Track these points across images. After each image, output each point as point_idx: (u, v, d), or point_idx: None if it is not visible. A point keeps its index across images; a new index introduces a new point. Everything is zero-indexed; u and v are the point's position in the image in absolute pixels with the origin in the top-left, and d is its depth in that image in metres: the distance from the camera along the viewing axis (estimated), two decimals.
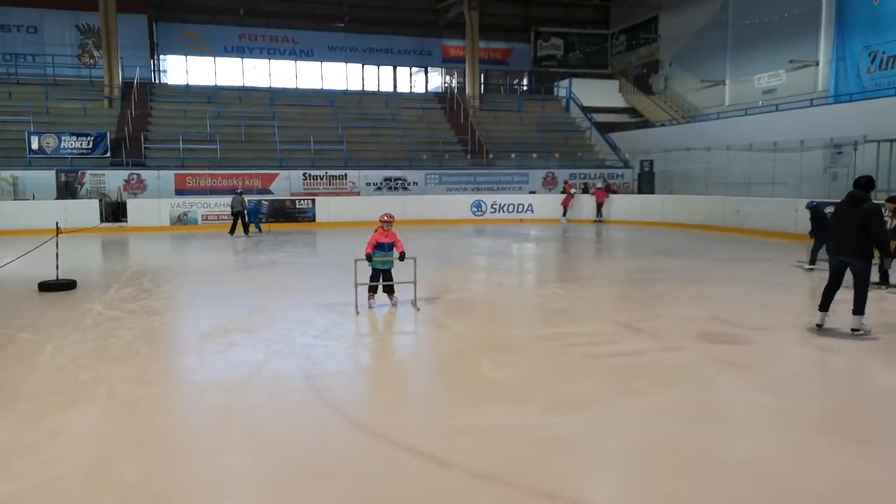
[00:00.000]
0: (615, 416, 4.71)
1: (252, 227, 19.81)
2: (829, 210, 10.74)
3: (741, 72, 27.48)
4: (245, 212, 19.42)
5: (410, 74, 36.69)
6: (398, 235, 8.27)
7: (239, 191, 20.12)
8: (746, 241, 16.18)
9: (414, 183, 25.35)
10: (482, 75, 33.56)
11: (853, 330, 7.01)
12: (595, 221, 23.92)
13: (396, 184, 25.21)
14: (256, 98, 28.78)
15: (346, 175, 24.70)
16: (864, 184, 7.18)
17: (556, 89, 33.75)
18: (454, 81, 36.47)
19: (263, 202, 21.32)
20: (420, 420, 4.76)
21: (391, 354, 6.40)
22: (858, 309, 7.01)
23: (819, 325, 7.27)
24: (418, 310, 8.08)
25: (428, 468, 3.90)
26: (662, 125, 29.71)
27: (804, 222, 16.82)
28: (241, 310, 8.56)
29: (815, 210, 11.80)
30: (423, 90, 36.06)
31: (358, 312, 7.89)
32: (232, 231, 19.35)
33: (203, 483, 3.75)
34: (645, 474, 3.84)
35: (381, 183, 25.00)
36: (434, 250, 16.22)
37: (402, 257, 8.11)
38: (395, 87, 35.56)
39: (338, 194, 24.17)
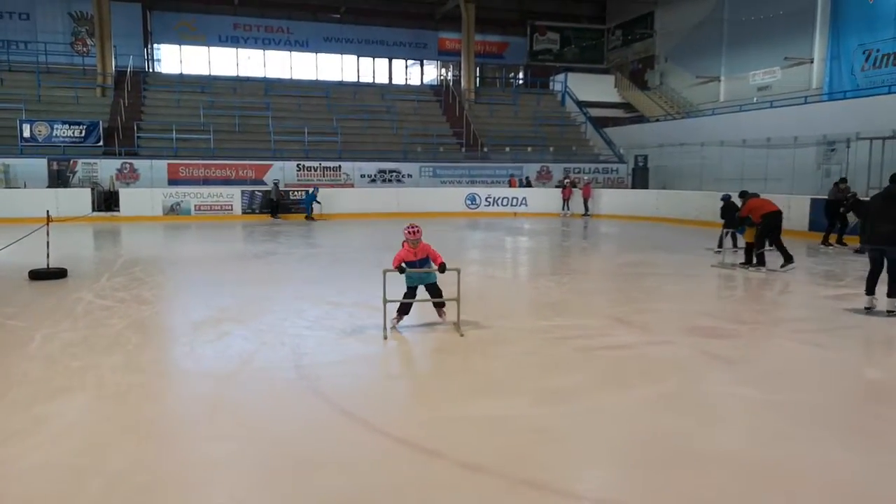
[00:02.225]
0: (604, 409, 4.74)
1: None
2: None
3: (736, 68, 27.56)
4: (279, 200, 21.27)
5: (406, 67, 36.62)
6: (431, 247, 6.93)
7: (275, 181, 21.83)
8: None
9: (408, 175, 25.33)
10: (478, 68, 33.53)
11: (889, 312, 7.60)
12: (583, 216, 24.07)
13: (391, 176, 25.20)
14: (251, 88, 28.67)
15: (340, 166, 24.67)
16: None
17: (551, 83, 33.75)
18: (450, 74, 36.41)
19: (316, 189, 21.76)
20: (410, 411, 4.78)
21: (381, 346, 6.41)
22: (893, 293, 7.59)
23: (867, 308, 7.84)
24: (462, 335, 6.61)
25: (416, 458, 3.92)
26: (657, 120, 29.79)
27: (797, 218, 17.00)
28: (233, 300, 8.55)
29: (727, 202, 13.62)
30: (418, 83, 36.00)
31: (386, 337, 6.54)
32: (273, 215, 21.08)
33: (191, 471, 3.76)
34: (631, 465, 3.87)
35: (375, 175, 24.98)
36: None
37: (442, 268, 6.71)
38: (390, 79, 35.49)
39: (332, 186, 24.13)
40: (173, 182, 22.64)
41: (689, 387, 5.26)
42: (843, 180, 15.53)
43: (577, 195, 24.49)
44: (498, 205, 24.85)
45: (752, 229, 11.42)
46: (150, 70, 30.86)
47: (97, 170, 22.17)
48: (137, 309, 7.92)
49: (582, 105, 31.31)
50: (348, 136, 26.39)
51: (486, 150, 27.55)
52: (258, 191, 22.72)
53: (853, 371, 5.73)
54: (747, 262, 11.53)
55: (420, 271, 6.80)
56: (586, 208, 24.29)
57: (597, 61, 36.58)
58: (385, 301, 6.51)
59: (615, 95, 34.06)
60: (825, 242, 15.18)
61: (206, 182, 22.83)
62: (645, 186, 25.38)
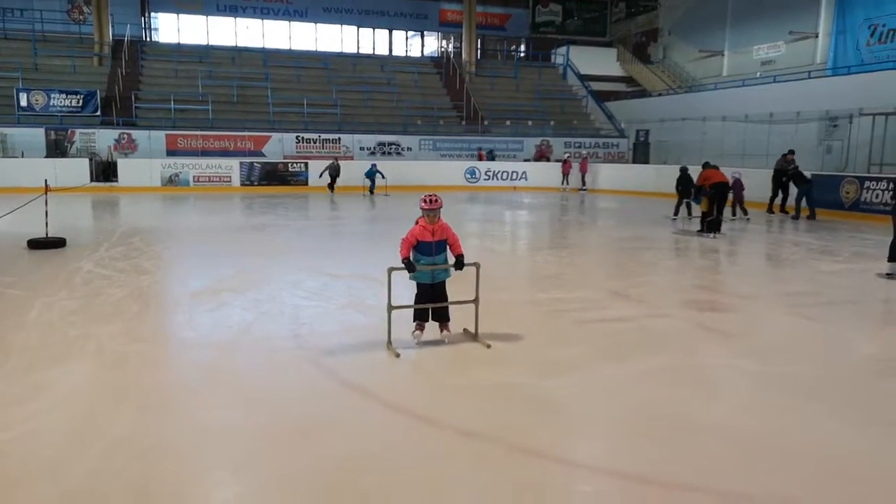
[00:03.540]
0: (601, 380, 4.77)
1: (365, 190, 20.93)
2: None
3: (740, 42, 27.25)
4: (337, 176, 21.14)
5: (406, 38, 36.16)
6: (451, 227, 5.39)
7: (335, 158, 22.02)
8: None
9: (408, 148, 25.20)
10: (479, 40, 33.15)
11: None
12: (579, 190, 24.06)
13: (390, 148, 25.06)
14: (249, 59, 28.35)
15: (339, 139, 24.51)
16: None
17: (553, 56, 33.39)
18: (451, 46, 35.98)
19: (375, 165, 21.37)
20: (408, 380, 4.81)
21: (380, 315, 6.42)
22: None
23: (889, 275, 8.36)
24: (489, 346, 5.31)
25: (414, 426, 3.96)
26: (659, 95, 29.54)
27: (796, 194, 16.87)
28: (232, 271, 8.55)
29: (684, 173, 14.68)
30: (418, 54, 35.58)
31: (398, 354, 5.11)
32: (331, 188, 21.10)
33: (191, 437, 3.79)
34: (628, 435, 3.91)
35: (374, 147, 24.83)
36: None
37: (459, 264, 5.18)
38: (390, 50, 35.06)
39: (331, 158, 23.98)
40: (171, 153, 22.50)
41: (687, 359, 5.28)
42: (791, 152, 16.29)
43: (577, 170, 24.42)
44: (497, 179, 24.75)
45: (707, 199, 12.25)
46: (148, 39, 30.47)
47: (95, 140, 22.02)
48: (136, 278, 7.93)
49: (584, 78, 31.00)
50: (348, 108, 26.18)
51: (486, 123, 27.35)
52: (257, 162, 22.61)
53: (849, 344, 5.76)
54: (703, 230, 12.37)
55: (435, 268, 5.25)
56: (583, 183, 24.29)
57: (599, 34, 36.10)
58: (390, 308, 5.14)
59: (617, 69, 33.71)
60: (770, 210, 16.39)
61: (205, 153, 22.71)
62: (646, 161, 25.26)
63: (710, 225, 12.24)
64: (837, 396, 4.52)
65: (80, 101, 22.86)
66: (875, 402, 4.47)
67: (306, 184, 22.76)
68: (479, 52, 32.81)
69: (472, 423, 3.94)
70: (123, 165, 21.33)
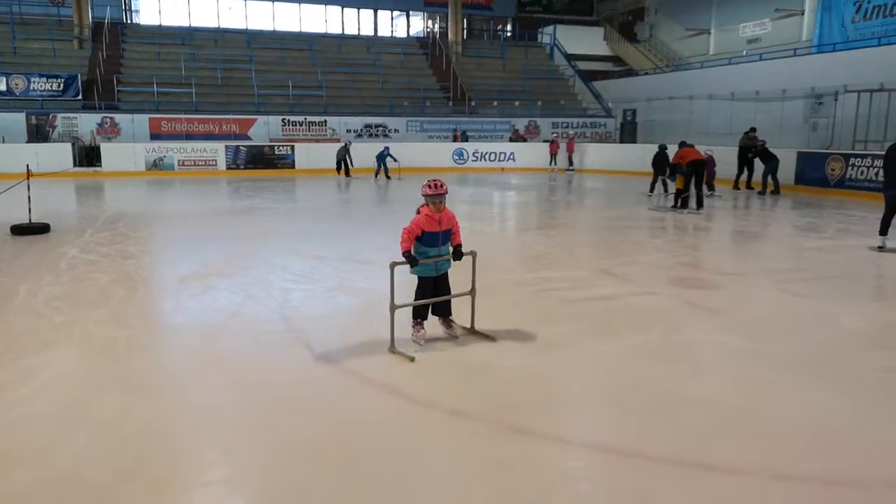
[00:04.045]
0: (589, 357, 4.80)
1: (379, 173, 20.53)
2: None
3: (726, 20, 27.20)
4: (347, 158, 20.77)
5: (392, 18, 35.81)
6: (455, 216, 5.01)
7: (347, 141, 21.73)
8: (727, 190, 16.31)
9: (395, 130, 25.05)
10: (465, 20, 32.84)
11: None
12: (566, 171, 24.08)
13: (377, 130, 24.90)
14: (232, 40, 27.98)
15: (325, 121, 24.32)
16: None
17: (540, 36, 33.19)
18: (436, 26, 35.67)
19: (387, 148, 20.85)
20: (398, 361, 4.81)
21: (368, 297, 6.42)
22: None
23: (881, 247, 8.67)
24: (494, 339, 5.00)
25: (404, 405, 3.97)
26: (646, 74, 29.48)
27: (782, 171, 16.99)
28: (219, 255, 8.50)
29: (661, 151, 15.17)
30: (404, 35, 35.26)
31: (413, 358, 4.61)
32: (347, 173, 20.72)
33: (179, 420, 3.78)
34: (616, 411, 3.94)
35: (361, 129, 24.67)
36: (412, 197, 16.15)
37: (457, 254, 4.86)
38: (375, 31, 34.71)
39: (317, 140, 23.83)
40: (155, 137, 22.25)
41: (674, 336, 5.32)
42: (753, 129, 16.91)
43: (564, 150, 24.41)
44: (486, 160, 24.69)
45: (682, 176, 12.66)
46: (129, 21, 29.98)
47: (77, 124, 21.73)
48: (122, 263, 7.86)
49: (570, 58, 30.86)
50: (333, 89, 25.94)
51: (473, 103, 27.22)
52: (242, 146, 22.41)
53: (835, 319, 5.82)
54: (677, 206, 12.80)
55: (438, 259, 4.84)
56: (570, 162, 24.30)
57: (586, 13, 35.91)
58: (393, 307, 4.66)
59: (604, 48, 33.58)
60: (735, 186, 16.95)
61: (189, 137, 22.47)
62: (633, 141, 25.27)
63: (685, 201, 12.68)
64: (822, 370, 4.57)
65: (61, 85, 22.51)
66: (859, 375, 4.52)
67: (293, 167, 22.60)
68: (465, 32, 32.53)
69: (460, 400, 3.96)
70: (107, 150, 21.08)
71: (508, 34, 36.44)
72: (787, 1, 24.28)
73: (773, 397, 4.08)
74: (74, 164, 20.02)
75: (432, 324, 5.05)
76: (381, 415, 3.83)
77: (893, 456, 3.39)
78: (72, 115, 21.78)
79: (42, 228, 9.79)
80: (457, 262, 4.92)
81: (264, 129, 23.39)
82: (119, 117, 22.18)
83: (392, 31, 35.65)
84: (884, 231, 8.74)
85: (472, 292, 5.05)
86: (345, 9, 33.83)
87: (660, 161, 15.06)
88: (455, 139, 25.30)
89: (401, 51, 29.93)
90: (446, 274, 5.01)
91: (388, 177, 20.13)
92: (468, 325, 5.14)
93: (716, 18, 27.87)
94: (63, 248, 8.64)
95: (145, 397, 4.06)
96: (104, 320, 5.59)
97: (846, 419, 3.81)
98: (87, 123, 21.79)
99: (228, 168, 22.04)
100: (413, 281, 5.03)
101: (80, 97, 22.59)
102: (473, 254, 4.97)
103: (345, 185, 18.77)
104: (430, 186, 4.81)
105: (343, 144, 21.04)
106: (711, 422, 3.74)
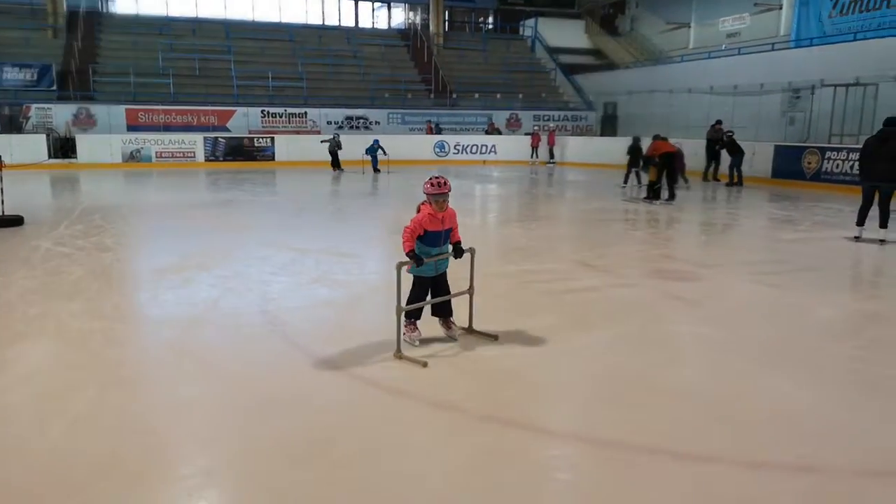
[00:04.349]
0: (569, 349, 4.82)
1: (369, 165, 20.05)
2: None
3: (706, 14, 27.35)
4: (338, 150, 20.09)
5: (373, 10, 35.51)
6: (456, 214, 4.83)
7: (336, 133, 21.05)
8: (697, 182, 16.52)
9: (376, 122, 24.94)
10: (446, 12, 32.71)
11: (880, 241, 8.68)
12: (547, 163, 24.17)
13: (358, 122, 24.77)
14: (211, 30, 27.62)
15: (306, 113, 24.14)
16: (894, 122, 8.66)
17: (521, 28, 33.17)
18: (418, 18, 35.48)
19: (377, 140, 20.21)
20: (377, 353, 4.79)
21: (348, 289, 6.40)
22: (885, 223, 8.70)
23: (857, 237, 8.91)
24: (496, 337, 4.85)
25: (384, 397, 3.96)
26: (627, 67, 29.58)
27: (759, 165, 17.22)
28: (197, 247, 8.41)
29: (635, 144, 15.35)
30: (385, 27, 35.02)
31: (426, 364, 4.36)
32: (338, 166, 19.98)
33: (156, 413, 3.74)
34: (595, 401, 3.97)
35: (342, 122, 24.52)
36: (395, 190, 16.11)
37: (457, 252, 4.71)
38: (356, 22, 34.41)
39: (298, 132, 23.64)
40: (132, 128, 21.94)
41: (652, 327, 5.37)
42: (719, 122, 17.50)
43: (546, 143, 24.49)
44: (467, 153, 24.68)
45: (655, 168, 12.99)
46: (105, 10, 29.43)
47: (52, 115, 21.35)
48: (98, 256, 7.75)
49: (552, 51, 30.89)
50: (314, 81, 25.74)
51: (454, 96, 27.16)
52: (221, 137, 22.18)
53: (809, 310, 5.91)
54: (649, 197, 13.14)
55: (438, 258, 4.67)
56: (551, 155, 24.39)
57: (568, 5, 35.91)
58: (399, 310, 4.46)
59: (585, 41, 33.64)
60: (705, 178, 17.42)
61: (167, 128, 22.19)
62: (614, 134, 25.40)
63: (657, 193, 13.00)
64: (796, 360, 4.65)
65: (35, 75, 22.09)
66: (828, 364, 4.60)
67: (273, 159, 22.41)
68: (446, 24, 32.41)
69: (442, 393, 3.97)
70: (82, 141, 20.75)
71: (490, 27, 36.37)
72: None
73: (747, 386, 4.14)
74: (49, 156, 19.69)
75: (428, 323, 4.93)
76: (360, 406, 3.82)
77: (859, 443, 3.45)
78: (46, 105, 21.39)
79: (15, 221, 9.62)
80: (454, 259, 4.74)
81: (243, 120, 23.17)
82: (95, 108, 21.83)
83: (373, 23, 35.38)
84: (860, 222, 8.94)
85: (471, 290, 4.89)
86: None
87: (633, 153, 15.41)
88: (429, 131, 25.21)
89: (382, 43, 29.77)
90: (445, 273, 4.86)
91: (376, 170, 19.86)
92: (466, 326, 4.98)
93: (696, 12, 28.03)
94: (37, 241, 8.49)
95: (121, 390, 4.02)
96: (79, 313, 5.51)
97: (815, 407, 3.87)
98: (61, 114, 21.42)
99: (207, 160, 21.80)
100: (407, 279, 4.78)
101: (54, 87, 22.19)
102: (472, 251, 4.78)
103: (334, 178, 18.54)
104: (432, 184, 4.55)
105: (332, 137, 20.55)
106: (688, 411, 3.78)
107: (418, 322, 4.83)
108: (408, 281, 4.63)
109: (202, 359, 4.56)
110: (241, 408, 3.77)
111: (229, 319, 5.41)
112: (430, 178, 4.60)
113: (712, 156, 17.34)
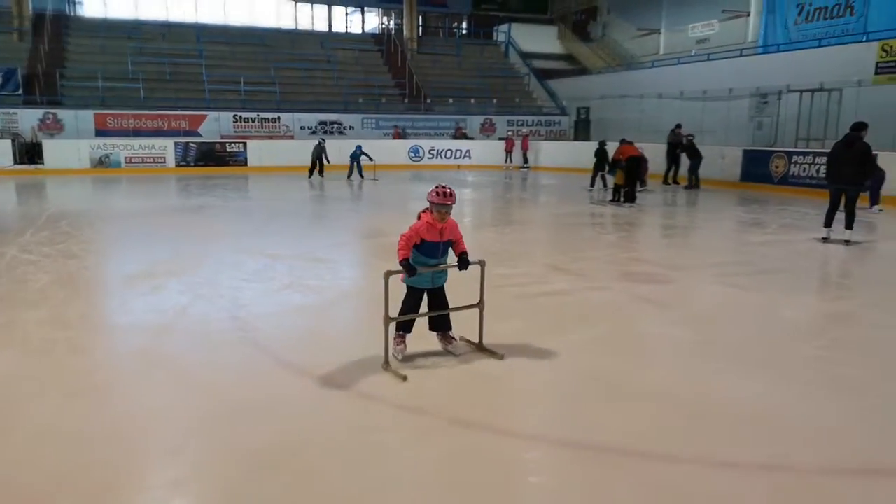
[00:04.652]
0: (541, 352, 4.84)
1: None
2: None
3: (676, 21, 27.76)
4: (322, 157, 19.43)
5: (346, 14, 35.46)
6: (458, 226, 4.68)
7: (321, 139, 20.34)
8: (657, 185, 16.79)
9: (350, 127, 24.84)
10: (420, 17, 32.78)
11: (846, 242, 8.94)
12: (520, 168, 24.32)
13: (332, 127, 24.64)
14: (181, 34, 27.27)
15: (279, 118, 23.95)
16: (859, 127, 8.90)
17: (495, 34, 33.35)
18: (391, 23, 35.49)
19: (360, 146, 19.77)
20: (348, 359, 4.76)
21: (321, 295, 6.35)
22: (850, 225, 8.95)
23: (824, 238, 9.16)
24: (502, 357, 4.57)
25: (354, 402, 3.93)
26: (599, 73, 29.88)
27: (729, 168, 17.51)
28: (167, 254, 8.29)
29: (601, 147, 15.98)
30: (359, 31, 34.96)
31: (405, 378, 4.19)
32: (321, 172, 19.36)
33: (124, 422, 3.66)
34: (567, 403, 3.99)
35: (315, 126, 24.36)
36: (369, 195, 16.06)
37: (463, 263, 4.54)
38: (329, 27, 34.31)
39: (271, 137, 23.45)
40: (101, 133, 21.54)
41: (624, 329, 5.42)
42: (679, 126, 17.91)
43: (519, 147, 24.62)
44: (441, 157, 24.70)
45: (622, 172, 13.27)
46: (72, 13, 28.93)
47: (17, 120, 20.89)
48: (64, 263, 7.60)
49: (525, 56, 31.10)
50: (287, 86, 25.57)
51: (429, 101, 27.18)
52: (192, 142, 21.90)
53: (776, 311, 6.02)
54: (615, 199, 13.51)
55: (436, 269, 4.48)
56: (525, 160, 24.53)
57: (541, 11, 36.19)
58: (387, 321, 4.28)
59: (558, 47, 33.94)
60: (665, 181, 17.76)
61: (137, 133, 21.85)
62: (587, 138, 25.61)
63: (626, 196, 13.28)
64: (764, 360, 4.72)
65: (0, 79, 21.60)
66: (796, 363, 4.69)
67: (245, 164, 22.19)
68: (420, 29, 32.47)
69: (412, 398, 3.95)
70: (49, 146, 20.33)
71: (464, 32, 36.51)
72: (733, 2, 24.93)
73: (717, 387, 4.19)
74: (14, 162, 19.29)
75: (422, 336, 4.71)
76: (330, 412, 3.79)
77: (824, 441, 3.52)
78: (11, 110, 20.93)
79: None
80: (460, 271, 4.51)
81: (215, 125, 22.90)
82: (62, 113, 21.41)
83: (347, 27, 35.31)
84: (828, 223, 9.22)
85: (481, 305, 4.62)
86: (298, 3, 33.36)
87: (600, 157, 15.84)
88: (395, 136, 25.17)
89: (355, 47, 29.68)
90: (442, 287, 4.63)
91: (361, 176, 19.53)
92: (475, 341, 4.76)
93: (666, 18, 28.44)
94: (2, 248, 8.30)
95: (86, 400, 3.93)
96: (44, 321, 5.39)
97: (782, 406, 3.93)
98: (27, 119, 20.97)
99: (178, 165, 21.50)
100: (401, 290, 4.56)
101: (20, 92, 21.72)
102: (482, 263, 4.53)
103: (317, 185, 18.28)
104: (437, 193, 4.34)
105: (317, 143, 20.06)
106: (659, 412, 3.82)
107: (408, 336, 4.58)
108: (396, 290, 4.41)
109: (170, 366, 4.48)
110: (209, 415, 3.72)
111: (199, 326, 5.34)
112: (436, 187, 4.41)
113: (672, 159, 17.71)
